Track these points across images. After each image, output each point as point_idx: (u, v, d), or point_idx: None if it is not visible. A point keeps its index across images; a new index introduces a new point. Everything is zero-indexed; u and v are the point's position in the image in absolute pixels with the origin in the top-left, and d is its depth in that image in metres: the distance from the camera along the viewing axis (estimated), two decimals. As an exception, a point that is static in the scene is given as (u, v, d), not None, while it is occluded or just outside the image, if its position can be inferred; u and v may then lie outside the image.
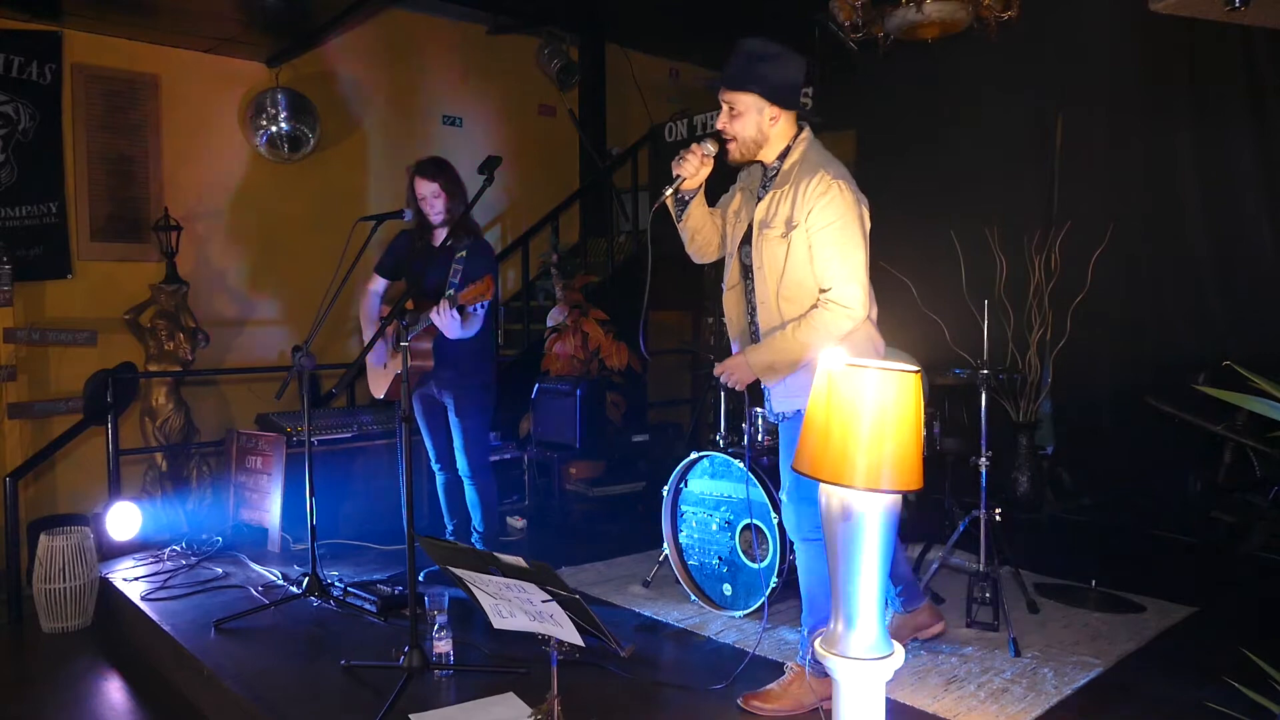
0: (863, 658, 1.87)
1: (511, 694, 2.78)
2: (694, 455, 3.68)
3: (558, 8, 7.07)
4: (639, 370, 6.20)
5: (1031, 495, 5.11)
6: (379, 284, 3.93)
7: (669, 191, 2.67)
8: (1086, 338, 4.97)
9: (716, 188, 2.82)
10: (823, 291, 2.50)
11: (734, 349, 2.78)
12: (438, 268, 3.68)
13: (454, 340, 3.65)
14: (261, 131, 6.02)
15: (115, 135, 5.65)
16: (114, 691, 3.52)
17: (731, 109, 2.58)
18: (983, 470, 3.43)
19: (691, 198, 2.74)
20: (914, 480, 1.80)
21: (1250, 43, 4.41)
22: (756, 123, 2.56)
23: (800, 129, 2.61)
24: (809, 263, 2.52)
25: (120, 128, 5.67)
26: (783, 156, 2.60)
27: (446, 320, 3.41)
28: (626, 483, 5.89)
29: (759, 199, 2.64)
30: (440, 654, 2.95)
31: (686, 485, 3.75)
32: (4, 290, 4.93)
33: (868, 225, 2.55)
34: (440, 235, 3.77)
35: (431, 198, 3.68)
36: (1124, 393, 4.89)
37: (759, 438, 3.90)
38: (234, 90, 6.09)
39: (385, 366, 3.91)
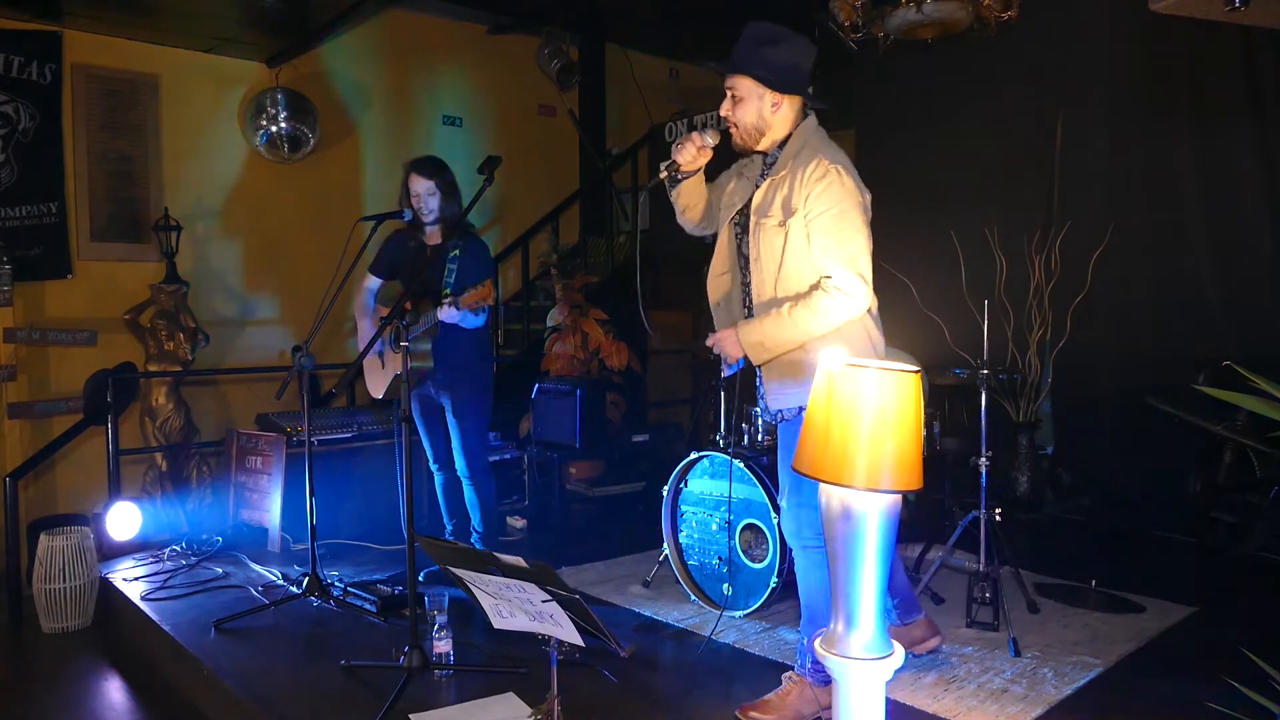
0: (863, 658, 1.87)
1: (511, 694, 2.78)
2: (694, 455, 3.68)
3: (558, 8, 7.07)
4: (639, 370, 6.20)
5: (1031, 495, 5.10)
6: (373, 282, 3.94)
7: (663, 174, 2.66)
8: (1086, 338, 4.97)
9: (718, 168, 2.80)
10: (824, 277, 2.44)
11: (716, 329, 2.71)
12: (432, 268, 3.68)
13: (452, 341, 3.65)
14: (261, 131, 6.02)
15: (115, 135, 5.65)
16: (114, 691, 3.52)
17: (733, 94, 2.54)
18: (983, 470, 3.43)
19: (686, 178, 2.70)
20: (914, 480, 1.80)
21: (1250, 43, 4.41)
22: (758, 109, 2.52)
23: (805, 116, 2.57)
24: (807, 251, 2.47)
25: (120, 128, 5.67)
26: (783, 144, 2.56)
27: (454, 317, 3.42)
28: (626, 483, 5.89)
29: (756, 186, 2.61)
30: (440, 654, 2.95)
31: (686, 485, 3.75)
32: (4, 290, 4.93)
33: (869, 214, 2.50)
34: (433, 234, 3.77)
35: (425, 195, 3.68)
36: (1124, 393, 4.88)
37: (759, 438, 3.91)
38: (234, 90, 6.09)
39: (384, 366, 3.91)
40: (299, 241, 6.24)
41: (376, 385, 3.95)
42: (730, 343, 2.58)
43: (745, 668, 3.02)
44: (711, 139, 2.58)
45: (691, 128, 6.61)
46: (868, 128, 6.05)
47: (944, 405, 4.33)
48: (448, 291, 3.61)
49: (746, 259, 2.65)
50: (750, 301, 2.66)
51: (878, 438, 1.78)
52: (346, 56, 6.56)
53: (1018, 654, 3.08)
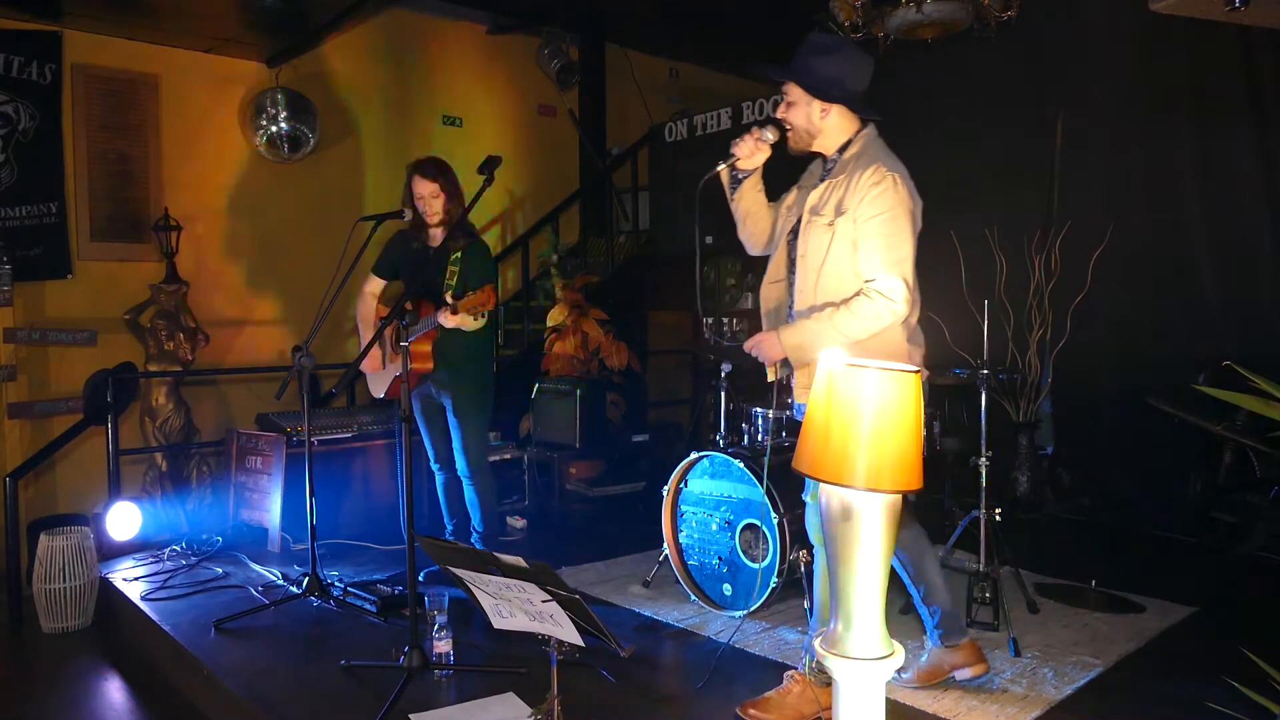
0: (863, 658, 1.87)
1: (511, 694, 2.78)
2: (694, 455, 3.68)
3: (558, 8, 7.07)
4: (639, 370, 6.20)
5: (1031, 495, 5.11)
6: (375, 285, 3.94)
7: (722, 166, 2.71)
8: (1086, 338, 4.97)
9: (779, 188, 2.85)
10: (867, 281, 2.49)
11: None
12: (434, 269, 3.68)
13: (453, 341, 3.65)
14: (261, 131, 6.02)
15: (115, 135, 5.65)
16: (114, 691, 3.52)
17: (786, 97, 2.63)
18: (983, 470, 3.43)
19: (745, 177, 2.76)
20: (914, 480, 1.80)
21: (1250, 43, 4.41)
22: (806, 113, 2.60)
23: (864, 125, 2.65)
24: (851, 254, 2.52)
25: (120, 128, 5.67)
26: (843, 149, 2.63)
27: (452, 323, 3.42)
28: (626, 483, 5.89)
29: (814, 189, 2.67)
30: (440, 654, 2.95)
31: (686, 485, 3.75)
32: (4, 290, 4.93)
33: (919, 224, 2.57)
34: (436, 236, 3.77)
35: (430, 198, 3.68)
36: (1124, 393, 4.88)
37: (759, 438, 3.91)
38: (234, 90, 6.09)
39: (385, 366, 3.91)
40: (299, 241, 6.24)
41: (377, 385, 3.96)
42: (771, 345, 2.64)
43: (745, 667, 3.02)
44: (771, 135, 2.65)
45: (691, 128, 6.61)
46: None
47: (944, 405, 4.33)
48: (449, 298, 3.61)
49: (793, 261, 2.70)
50: (793, 304, 2.69)
51: (878, 438, 1.78)
52: (346, 56, 6.56)
53: (1018, 654, 3.08)
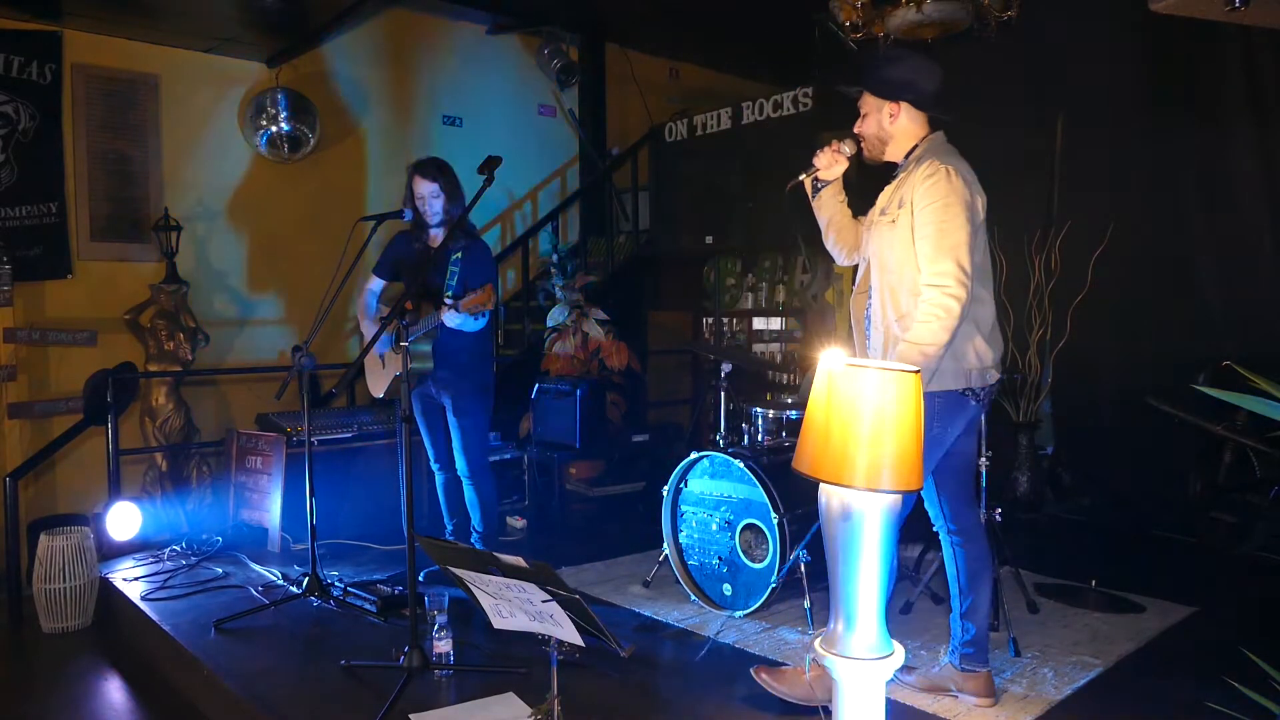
0: (863, 658, 1.87)
1: (511, 694, 2.78)
2: (694, 455, 3.68)
3: (558, 8, 7.07)
4: (639, 370, 6.20)
5: (1031, 495, 5.10)
6: (376, 284, 3.95)
7: (804, 177, 2.82)
8: (1086, 338, 4.96)
9: (863, 203, 2.93)
10: (923, 284, 2.52)
11: (859, 345, 2.81)
12: (435, 269, 3.68)
13: (453, 341, 3.65)
14: (261, 131, 6.02)
15: (115, 135, 5.65)
16: (114, 691, 3.52)
17: (861, 110, 2.75)
18: (983, 470, 3.43)
19: (824, 186, 2.87)
20: (914, 480, 1.80)
21: (1250, 43, 4.41)
22: (877, 120, 2.70)
23: (932, 130, 2.72)
24: (911, 247, 2.57)
25: (120, 128, 5.67)
26: (910, 154, 2.70)
27: (454, 321, 3.42)
28: (626, 483, 5.89)
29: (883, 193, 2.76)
30: (440, 654, 2.95)
31: (686, 485, 3.75)
32: (4, 290, 4.93)
33: (980, 217, 2.60)
34: (437, 236, 3.77)
35: (430, 198, 3.68)
36: (1124, 393, 4.88)
37: (759, 438, 3.91)
38: (234, 90, 6.09)
39: (385, 366, 3.91)
40: (299, 241, 6.24)
41: (377, 385, 3.96)
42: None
43: (745, 667, 3.02)
44: (849, 148, 2.77)
45: (691, 128, 6.61)
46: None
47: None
48: (449, 294, 3.61)
49: (869, 265, 2.77)
50: (868, 317, 2.76)
51: (878, 438, 1.78)
52: (346, 56, 6.56)
53: (1018, 654, 3.08)
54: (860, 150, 2.77)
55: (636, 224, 7.12)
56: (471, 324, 3.51)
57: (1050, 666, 3.00)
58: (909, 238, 2.57)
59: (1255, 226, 4.51)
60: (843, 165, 2.80)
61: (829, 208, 2.90)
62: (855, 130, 2.77)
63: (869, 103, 2.72)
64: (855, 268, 2.91)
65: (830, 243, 2.95)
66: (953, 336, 2.47)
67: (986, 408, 2.74)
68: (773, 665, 2.82)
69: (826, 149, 2.78)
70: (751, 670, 2.75)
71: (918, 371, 1.83)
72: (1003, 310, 4.88)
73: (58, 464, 5.31)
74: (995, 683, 2.77)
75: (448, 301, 3.40)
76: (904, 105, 2.67)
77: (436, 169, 3.69)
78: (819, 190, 2.89)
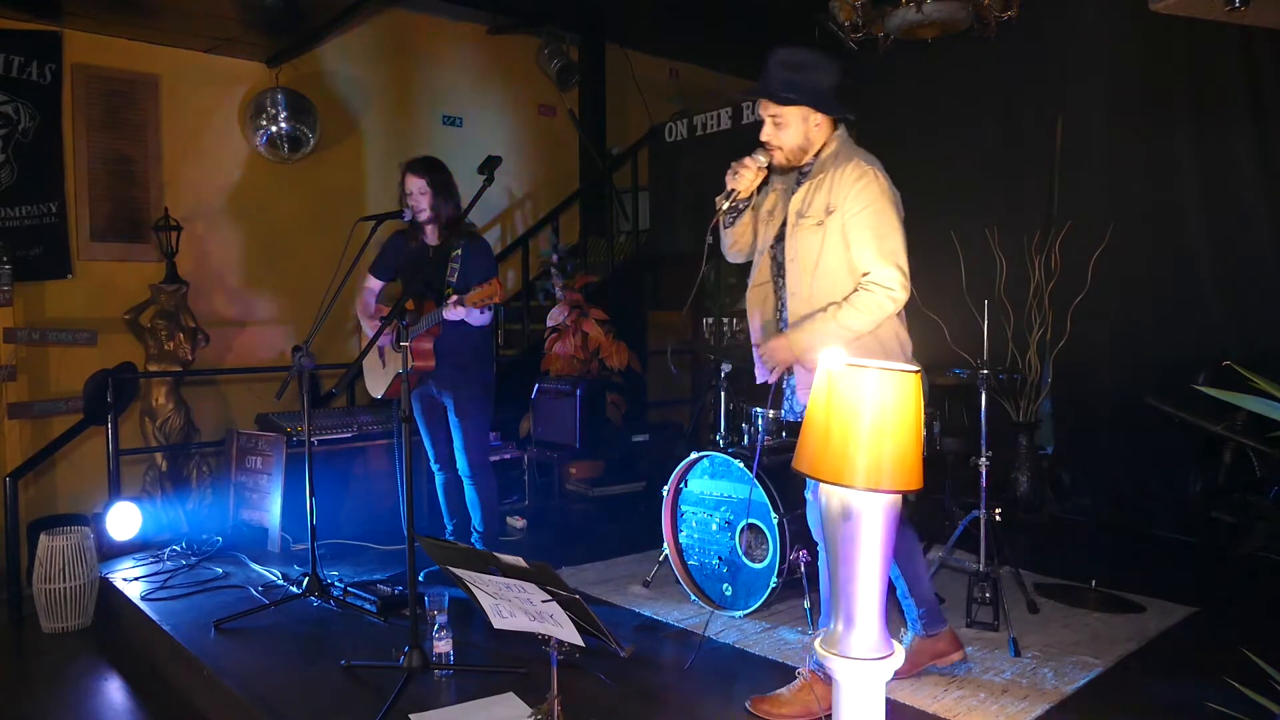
0: (863, 658, 1.87)
1: (511, 694, 2.78)
2: (694, 455, 3.68)
3: (558, 8, 7.07)
4: (639, 370, 6.20)
5: (1031, 495, 5.10)
6: (374, 284, 3.95)
7: (724, 205, 2.73)
8: (1086, 338, 4.96)
9: None
10: (863, 275, 2.55)
11: (755, 340, 2.81)
12: (435, 267, 3.68)
13: (456, 340, 3.66)
14: (261, 131, 6.02)
15: (115, 135, 5.65)
16: (114, 691, 3.52)
17: (775, 120, 2.64)
18: (983, 470, 3.43)
19: (745, 206, 2.81)
20: (914, 480, 1.81)
21: (1250, 43, 4.41)
22: (803, 131, 2.64)
23: (836, 126, 2.69)
24: (844, 250, 2.57)
25: (120, 128, 5.67)
26: (818, 153, 2.67)
27: (459, 314, 3.43)
28: (626, 483, 5.89)
29: (793, 192, 2.70)
30: (440, 654, 2.95)
31: (686, 485, 3.75)
32: (4, 290, 4.93)
33: (902, 213, 2.61)
34: (430, 233, 3.79)
35: (418, 194, 3.70)
36: (1124, 393, 4.88)
37: (759, 437, 3.90)
38: (234, 90, 6.09)
39: (385, 366, 3.91)
40: (299, 241, 6.24)
41: (377, 385, 3.95)
42: (783, 350, 2.66)
43: (745, 668, 3.02)
44: (764, 158, 2.68)
45: (691, 128, 6.61)
46: (867, 128, 6.05)
47: (944, 405, 4.33)
48: (451, 290, 3.62)
49: (781, 265, 2.73)
50: (784, 306, 2.74)
51: (878, 438, 1.78)
52: (346, 56, 6.56)
53: (1018, 654, 3.08)
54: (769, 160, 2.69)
55: (636, 224, 7.12)
56: (476, 318, 3.51)
57: (1050, 666, 3.00)
58: (839, 241, 2.58)
59: (1255, 226, 4.51)
60: (761, 179, 2.71)
61: (740, 225, 2.85)
62: (766, 139, 2.66)
63: (790, 112, 2.61)
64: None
65: (734, 253, 2.91)
66: (868, 330, 2.57)
67: None
68: (762, 693, 2.72)
69: (743, 169, 2.66)
70: (747, 705, 2.67)
71: (918, 371, 1.84)
72: (1003, 310, 4.92)
73: (58, 464, 5.31)
74: (993, 680, 2.77)
75: (453, 298, 3.41)
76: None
77: (424, 166, 3.72)
78: (740, 212, 2.81)
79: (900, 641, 2.82)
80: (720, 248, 2.92)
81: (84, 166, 5.53)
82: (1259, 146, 4.46)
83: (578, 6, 7.12)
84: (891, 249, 2.53)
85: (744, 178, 2.68)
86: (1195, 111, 4.67)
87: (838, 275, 2.60)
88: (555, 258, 6.41)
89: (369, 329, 3.91)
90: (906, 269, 2.54)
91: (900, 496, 1.89)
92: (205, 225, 5.99)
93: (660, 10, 6.98)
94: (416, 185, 3.69)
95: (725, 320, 7.06)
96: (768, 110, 2.64)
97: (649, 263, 7.02)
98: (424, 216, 3.73)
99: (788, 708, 2.63)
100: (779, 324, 2.78)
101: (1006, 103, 5.35)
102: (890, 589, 2.34)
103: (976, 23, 4.54)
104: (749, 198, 2.77)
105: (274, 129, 6.01)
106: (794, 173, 2.74)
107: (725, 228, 2.84)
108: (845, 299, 2.56)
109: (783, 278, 2.74)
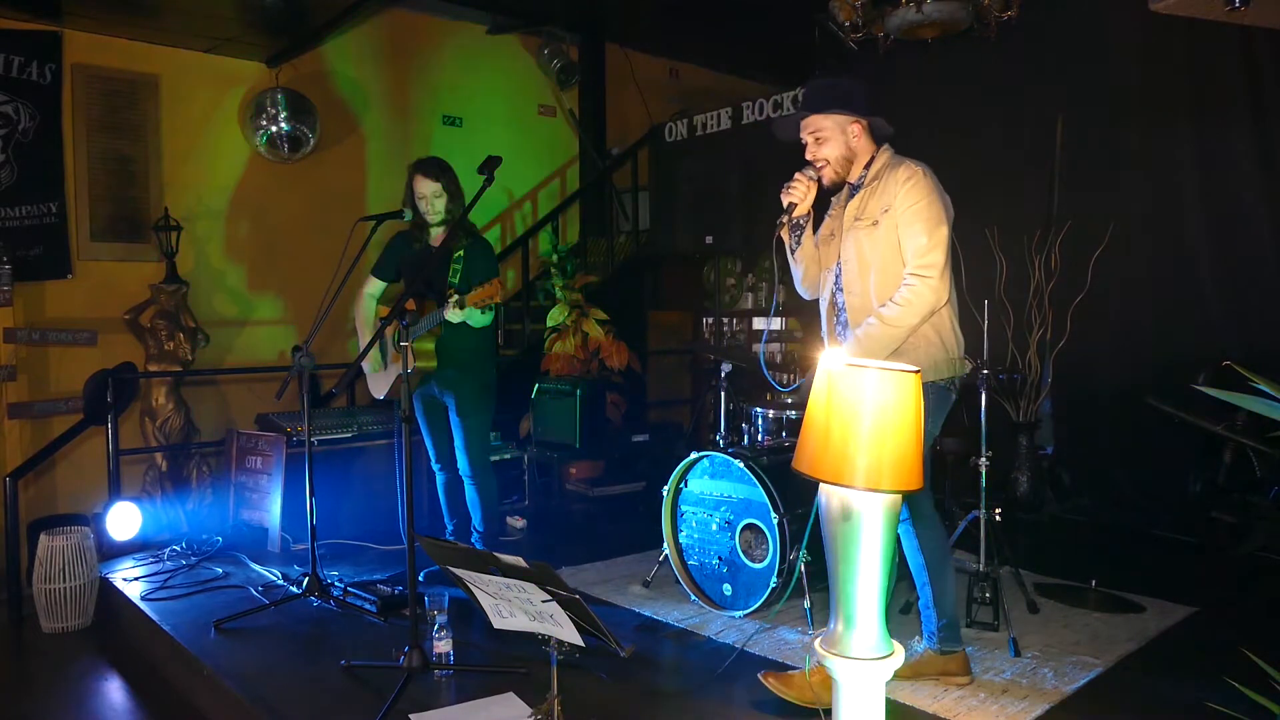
0: (863, 658, 1.87)
1: (511, 694, 2.78)
2: (694, 455, 3.68)
3: (558, 8, 7.08)
4: (639, 370, 6.20)
5: (1031, 495, 5.10)
6: (374, 286, 3.94)
7: (784, 221, 2.79)
8: (1086, 338, 4.96)
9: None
10: (906, 272, 2.63)
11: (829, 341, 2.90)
12: (437, 268, 3.68)
13: (458, 340, 3.65)
14: (261, 131, 6.03)
15: (115, 135, 5.65)
16: (114, 691, 3.52)
17: (816, 136, 2.76)
18: (983, 470, 3.43)
19: (805, 223, 2.89)
20: (914, 480, 1.80)
21: (1250, 43, 4.41)
22: (843, 141, 2.75)
23: (879, 144, 2.80)
24: (898, 250, 2.66)
25: (120, 128, 5.67)
26: (869, 165, 2.78)
27: (461, 315, 3.42)
28: (626, 483, 5.89)
29: (848, 203, 2.79)
30: (440, 654, 2.95)
31: (686, 485, 3.75)
32: (4, 290, 4.93)
33: (952, 215, 2.69)
34: (438, 236, 3.77)
35: (432, 198, 3.68)
36: (1124, 393, 4.88)
37: (759, 438, 3.91)
38: (234, 90, 6.09)
39: (386, 367, 3.91)
40: (299, 241, 6.24)
41: (377, 386, 3.95)
42: None
43: (745, 667, 3.02)
44: (814, 173, 2.77)
45: (691, 128, 6.61)
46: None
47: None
48: (453, 290, 3.61)
49: (839, 274, 2.81)
50: (843, 309, 2.81)
51: (878, 438, 1.78)
52: (346, 56, 6.56)
53: (1018, 654, 3.08)
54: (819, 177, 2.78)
55: (636, 224, 7.12)
56: (477, 318, 3.51)
57: (1050, 666, 3.00)
58: (893, 237, 2.67)
59: (1255, 226, 4.51)
60: (814, 193, 2.79)
61: (808, 248, 2.92)
62: (812, 156, 2.77)
63: (827, 126, 2.74)
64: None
65: (807, 284, 2.97)
66: (920, 323, 2.63)
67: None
68: (779, 668, 2.82)
69: (796, 182, 2.75)
70: (759, 675, 2.77)
71: (918, 371, 1.84)
72: (1003, 310, 4.92)
73: (58, 464, 5.32)
74: (993, 680, 2.78)
75: (453, 298, 3.40)
76: (861, 120, 2.73)
77: (439, 169, 3.70)
78: (802, 228, 2.90)
79: (911, 648, 2.84)
80: (795, 285, 3.00)
81: (84, 166, 5.54)
82: (1259, 146, 4.46)
83: (578, 6, 7.12)
84: (936, 240, 2.61)
85: (798, 191, 2.76)
86: (1195, 111, 4.67)
87: (896, 274, 2.67)
88: (555, 258, 6.40)
89: (364, 337, 3.90)
90: (942, 265, 2.61)
91: (900, 496, 1.89)
92: (205, 225, 5.99)
93: (660, 10, 6.98)
94: (431, 189, 3.68)
95: (725, 320, 7.07)
96: (808, 130, 2.76)
97: (649, 263, 7.02)
98: (437, 219, 3.72)
99: (795, 689, 2.69)
100: (839, 324, 2.85)
101: (1006, 103, 5.35)
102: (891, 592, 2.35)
103: (976, 23, 4.54)
104: (808, 214, 2.86)
105: (274, 129, 6.01)
106: (845, 191, 2.83)
107: (791, 251, 2.93)
108: (887, 302, 2.64)
109: (840, 283, 2.81)
